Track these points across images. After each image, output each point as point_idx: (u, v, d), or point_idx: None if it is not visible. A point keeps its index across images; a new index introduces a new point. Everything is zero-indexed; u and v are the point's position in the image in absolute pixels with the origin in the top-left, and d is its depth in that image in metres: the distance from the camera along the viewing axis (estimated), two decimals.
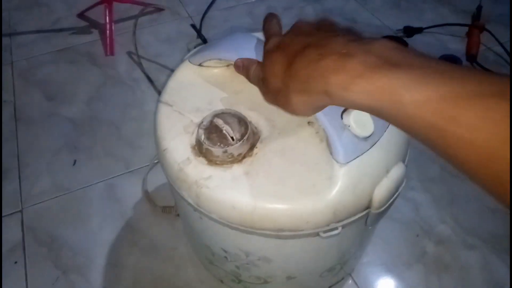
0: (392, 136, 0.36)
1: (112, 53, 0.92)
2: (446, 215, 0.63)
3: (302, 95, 0.27)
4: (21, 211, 0.65)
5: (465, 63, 0.88)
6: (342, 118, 0.33)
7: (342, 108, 0.33)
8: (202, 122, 0.36)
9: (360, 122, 0.33)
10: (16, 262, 0.59)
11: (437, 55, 0.88)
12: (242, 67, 0.35)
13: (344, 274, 0.56)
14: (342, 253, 0.44)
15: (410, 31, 0.96)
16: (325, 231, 0.34)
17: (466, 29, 0.95)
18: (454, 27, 0.96)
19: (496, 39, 0.89)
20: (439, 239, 0.61)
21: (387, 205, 0.36)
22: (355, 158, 0.33)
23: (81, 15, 1.02)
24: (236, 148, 0.34)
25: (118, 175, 0.70)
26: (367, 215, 0.36)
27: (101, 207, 0.66)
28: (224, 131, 0.35)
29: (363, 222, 0.37)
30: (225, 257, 0.44)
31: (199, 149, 0.35)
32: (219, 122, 0.35)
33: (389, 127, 0.36)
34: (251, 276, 0.46)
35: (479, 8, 0.97)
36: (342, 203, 0.33)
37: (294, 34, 0.30)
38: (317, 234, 0.35)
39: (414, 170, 0.69)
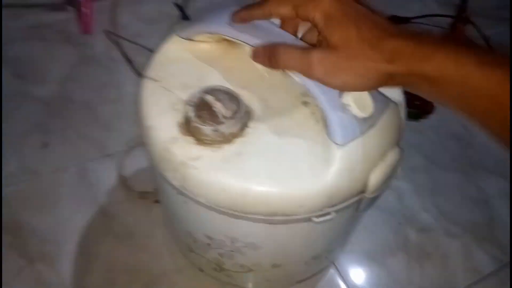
0: (390, 118, 0.34)
1: (89, 31, 0.87)
2: (428, 204, 0.63)
3: (379, 63, 0.28)
4: None
5: None
6: (340, 97, 0.31)
7: None
8: (190, 98, 0.34)
9: (360, 101, 0.31)
10: None
11: None
12: (263, 53, 0.32)
13: (328, 263, 0.54)
14: (330, 240, 0.43)
15: (397, 21, 0.95)
16: (318, 216, 0.33)
17: (451, 20, 0.95)
18: (441, 19, 0.96)
19: (480, 32, 0.89)
20: (421, 227, 0.61)
21: (382, 190, 0.35)
22: (352, 140, 0.31)
23: None
24: (227, 127, 0.32)
25: (92, 159, 0.66)
26: (360, 200, 0.35)
27: (73, 192, 0.62)
28: (214, 109, 0.32)
29: (354, 207, 0.36)
30: (208, 244, 0.42)
31: (187, 127, 0.33)
32: (210, 98, 0.33)
33: (387, 109, 0.34)
34: (234, 264, 0.44)
35: (464, 0, 0.97)
36: (338, 186, 0.32)
37: (337, 1, 0.30)
38: (310, 219, 0.33)
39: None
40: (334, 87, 0.30)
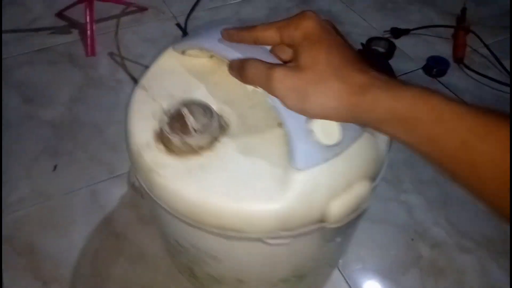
0: (361, 150, 0.33)
1: (93, 54, 0.89)
2: (440, 217, 0.63)
3: (343, 86, 0.27)
4: None
5: (452, 64, 0.88)
6: (307, 122, 0.31)
7: None
8: (169, 109, 0.35)
9: (326, 129, 0.31)
10: None
11: (424, 57, 0.88)
12: (236, 67, 0.33)
13: None
14: (295, 265, 0.42)
15: (397, 32, 0.96)
16: (271, 238, 0.33)
17: (452, 30, 0.95)
18: (441, 29, 0.97)
19: (482, 41, 0.90)
20: (434, 242, 0.60)
21: (345, 222, 0.34)
22: (313, 166, 0.31)
23: (60, 15, 0.98)
24: (195, 140, 0.33)
25: (101, 181, 0.66)
26: (322, 228, 0.34)
27: (84, 214, 0.62)
28: (187, 121, 0.34)
29: (319, 236, 0.35)
30: (180, 250, 0.42)
31: (160, 136, 0.35)
32: (184, 111, 0.34)
33: (359, 139, 0.33)
34: (203, 273, 0.45)
35: (463, 10, 0.98)
36: (292, 211, 0.32)
37: (319, 24, 0.29)
38: (262, 240, 0.33)
39: (407, 172, 0.68)
40: (291, 108, 0.30)
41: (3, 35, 0.93)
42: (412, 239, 0.60)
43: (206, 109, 0.35)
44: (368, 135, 0.34)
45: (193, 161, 0.33)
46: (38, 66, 0.86)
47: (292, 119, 0.31)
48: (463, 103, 0.24)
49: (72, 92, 0.81)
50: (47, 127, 0.74)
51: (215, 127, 0.34)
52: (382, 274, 0.57)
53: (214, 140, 0.34)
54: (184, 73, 0.40)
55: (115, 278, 0.56)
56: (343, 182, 0.32)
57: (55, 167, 0.68)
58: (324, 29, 0.29)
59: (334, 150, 0.32)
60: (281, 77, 0.29)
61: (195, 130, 0.33)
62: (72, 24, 0.97)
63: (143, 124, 0.36)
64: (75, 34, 0.94)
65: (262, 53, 0.33)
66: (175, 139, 0.33)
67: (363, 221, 0.62)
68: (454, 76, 0.87)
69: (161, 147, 0.34)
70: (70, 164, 0.69)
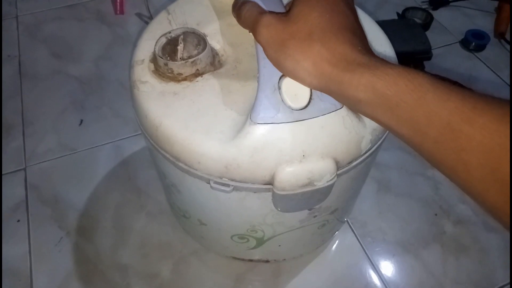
0: (328, 126, 0.31)
1: (122, 12, 0.88)
2: (467, 195, 0.61)
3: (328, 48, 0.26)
4: (24, 169, 0.63)
5: (492, 39, 0.83)
6: (280, 78, 0.30)
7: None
8: (170, 32, 0.36)
9: (296, 91, 0.29)
10: (18, 221, 0.57)
11: (463, 30, 0.84)
12: (235, 7, 0.33)
13: (262, 256, 0.52)
14: (248, 222, 0.40)
15: (435, 3, 0.91)
16: (216, 183, 0.33)
17: (495, 4, 0.90)
18: (483, 2, 0.91)
19: None
20: (458, 219, 0.59)
21: (293, 192, 0.32)
22: (267, 123, 0.30)
23: None
24: (176, 66, 0.34)
25: (126, 137, 0.67)
26: (270, 191, 0.33)
27: (108, 168, 0.63)
28: (177, 47, 0.35)
29: (267, 197, 0.34)
30: (160, 176, 0.45)
31: (153, 56, 0.36)
32: (180, 38, 0.36)
33: (329, 115, 0.30)
34: (176, 206, 0.47)
35: None
36: (236, 161, 0.31)
37: None
38: (209, 182, 0.34)
39: None
40: (269, 58, 0.29)
41: None
42: (436, 214, 0.59)
43: (201, 42, 0.36)
44: (344, 115, 0.31)
45: (170, 86, 0.35)
46: (68, 22, 0.86)
47: (266, 71, 0.30)
48: (451, 86, 0.22)
49: (99, 49, 0.81)
50: (75, 83, 0.75)
51: (203, 61, 0.35)
52: (403, 246, 0.56)
53: (197, 73, 0.35)
54: (208, 7, 0.41)
55: (136, 232, 0.57)
56: (297, 150, 0.31)
57: (81, 121, 0.69)
58: None
59: (296, 114, 0.30)
60: (267, 23, 0.28)
61: (181, 58, 0.35)
62: None
63: (150, 43, 0.37)
64: None
65: (276, 3, 0.32)
66: (160, 60, 0.35)
67: (386, 193, 0.61)
68: (494, 52, 0.82)
69: (151, 65, 0.36)
70: (96, 119, 0.69)
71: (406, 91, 0.22)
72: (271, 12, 0.30)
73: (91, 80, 0.75)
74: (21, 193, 0.60)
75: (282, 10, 0.31)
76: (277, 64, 0.29)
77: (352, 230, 0.57)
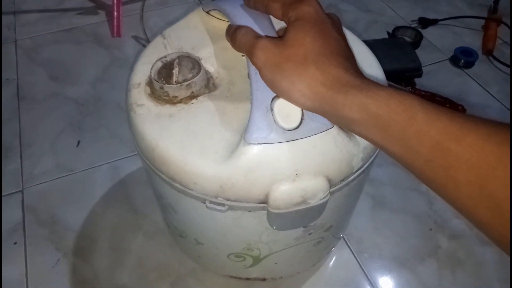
0: (320, 145, 0.32)
1: (119, 35, 0.90)
2: None
3: (321, 71, 0.27)
4: (21, 191, 0.63)
5: (481, 56, 0.86)
6: (273, 99, 0.31)
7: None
8: (165, 57, 0.37)
9: (288, 112, 0.30)
10: (15, 243, 0.57)
11: (452, 48, 0.86)
12: (229, 32, 0.34)
13: (259, 274, 0.52)
14: (245, 241, 0.41)
15: (424, 22, 0.93)
16: (211, 202, 0.34)
17: (482, 22, 0.93)
18: (470, 20, 0.94)
19: None
20: (453, 233, 0.59)
21: (288, 210, 0.33)
22: (261, 144, 0.31)
23: None
24: (172, 89, 0.35)
25: (123, 158, 0.68)
26: (265, 210, 0.34)
27: (105, 189, 0.64)
28: (173, 71, 0.36)
29: (262, 216, 0.35)
30: (157, 196, 0.45)
31: (149, 79, 0.37)
32: (175, 62, 0.37)
33: (320, 134, 0.31)
34: (172, 225, 0.47)
35: (496, 0, 0.95)
36: (231, 180, 0.32)
37: (316, 12, 0.29)
38: (204, 202, 0.34)
39: None
40: (265, 80, 0.30)
41: (33, 14, 0.95)
42: (431, 229, 0.59)
43: (196, 66, 0.37)
44: (334, 134, 0.32)
45: (166, 108, 0.35)
46: (65, 45, 0.88)
47: (259, 93, 0.30)
48: (440, 107, 0.23)
49: (97, 71, 0.82)
50: (72, 104, 0.76)
51: (197, 84, 0.36)
52: (399, 261, 0.56)
53: (192, 95, 0.36)
54: (203, 31, 0.42)
55: (133, 252, 0.57)
56: (290, 169, 0.31)
57: (78, 142, 0.70)
58: (319, 17, 0.29)
59: (289, 135, 0.31)
60: (264, 47, 0.29)
61: (176, 81, 0.35)
62: (99, 6, 0.98)
63: (146, 67, 0.38)
64: (101, 15, 0.95)
65: (264, 24, 0.33)
66: (156, 84, 0.35)
67: (381, 209, 0.62)
68: (483, 68, 0.84)
69: (147, 88, 0.37)
70: (93, 140, 0.70)
71: (398, 111, 0.23)
72: (267, 36, 0.31)
73: (88, 102, 0.77)
74: (18, 215, 0.60)
75: (275, 35, 0.33)
76: (272, 85, 0.30)
77: (349, 247, 0.58)
